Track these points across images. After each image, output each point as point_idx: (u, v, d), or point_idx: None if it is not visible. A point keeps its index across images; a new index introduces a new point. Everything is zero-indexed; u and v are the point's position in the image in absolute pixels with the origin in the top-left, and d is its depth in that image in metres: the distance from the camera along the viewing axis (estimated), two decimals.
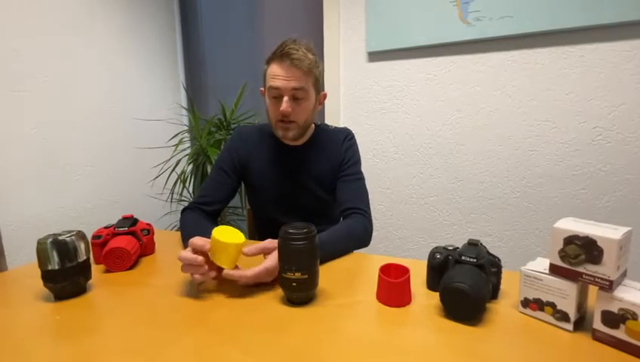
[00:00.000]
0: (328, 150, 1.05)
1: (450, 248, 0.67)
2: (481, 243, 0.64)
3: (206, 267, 0.68)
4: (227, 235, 0.68)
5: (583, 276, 0.53)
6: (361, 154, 1.11)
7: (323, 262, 0.81)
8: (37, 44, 1.46)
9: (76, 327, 0.59)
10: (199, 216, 0.98)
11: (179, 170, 1.91)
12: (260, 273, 0.68)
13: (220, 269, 0.71)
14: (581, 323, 0.57)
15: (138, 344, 0.54)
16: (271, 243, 0.71)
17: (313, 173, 1.04)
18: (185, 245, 0.86)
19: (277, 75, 0.90)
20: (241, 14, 2.04)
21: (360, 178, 1.05)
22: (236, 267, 0.70)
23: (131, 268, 0.83)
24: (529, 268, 0.59)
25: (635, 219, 1.30)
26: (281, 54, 0.90)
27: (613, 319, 0.51)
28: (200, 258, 0.67)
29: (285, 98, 0.91)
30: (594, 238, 0.51)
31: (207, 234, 0.70)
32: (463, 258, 0.62)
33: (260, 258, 0.72)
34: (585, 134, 1.34)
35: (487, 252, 0.64)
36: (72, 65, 1.59)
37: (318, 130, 1.08)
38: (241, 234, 0.71)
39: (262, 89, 1.01)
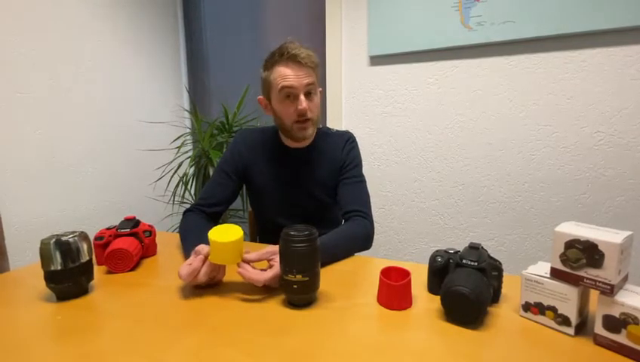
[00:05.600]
0: (330, 153, 1.05)
1: (452, 251, 0.67)
2: (482, 247, 0.64)
3: (199, 265, 0.68)
4: (224, 234, 0.67)
5: (584, 280, 0.53)
6: (363, 157, 1.11)
7: (324, 264, 0.81)
8: (41, 48, 1.47)
9: (78, 328, 0.59)
10: (200, 218, 0.98)
11: (181, 172, 1.92)
12: (275, 276, 0.68)
13: (222, 267, 0.72)
14: (582, 327, 0.56)
15: (139, 345, 0.54)
16: (274, 248, 0.71)
17: (315, 176, 1.04)
18: (184, 246, 0.86)
19: (288, 75, 0.91)
20: (244, 18, 2.06)
21: (361, 180, 1.05)
22: (244, 257, 0.70)
23: (133, 269, 0.83)
24: (530, 272, 0.59)
25: (637, 223, 1.30)
26: (288, 56, 0.91)
27: (614, 323, 0.50)
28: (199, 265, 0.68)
29: (302, 96, 0.92)
30: (595, 242, 0.51)
31: (206, 235, 0.70)
32: (464, 261, 0.62)
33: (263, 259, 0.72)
34: (586, 139, 1.34)
35: (489, 255, 0.64)
36: (75, 67, 1.60)
37: (320, 133, 1.08)
38: (238, 228, 0.69)
39: (260, 97, 1.01)
